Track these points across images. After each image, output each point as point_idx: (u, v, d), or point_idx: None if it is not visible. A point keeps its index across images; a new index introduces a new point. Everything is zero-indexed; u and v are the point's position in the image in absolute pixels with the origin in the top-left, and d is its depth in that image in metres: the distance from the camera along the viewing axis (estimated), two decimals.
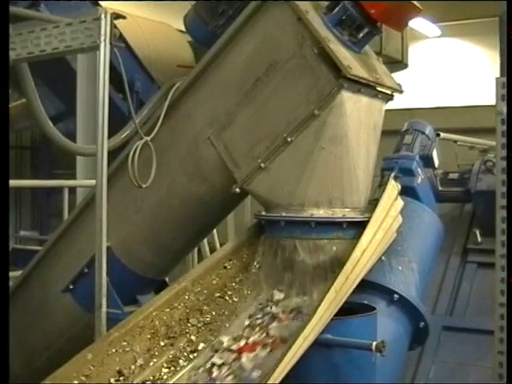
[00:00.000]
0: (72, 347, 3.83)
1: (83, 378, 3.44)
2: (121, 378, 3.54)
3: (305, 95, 3.99)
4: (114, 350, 3.61)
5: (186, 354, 3.72)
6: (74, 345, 3.89)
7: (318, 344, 3.62)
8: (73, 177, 9.57)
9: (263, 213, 4.17)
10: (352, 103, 3.99)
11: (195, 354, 3.70)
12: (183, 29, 5.14)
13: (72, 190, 8.59)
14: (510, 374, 3.32)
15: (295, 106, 4.02)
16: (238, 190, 4.19)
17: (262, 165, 4.09)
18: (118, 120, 4.79)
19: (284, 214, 4.02)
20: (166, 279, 5.10)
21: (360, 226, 3.97)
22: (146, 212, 4.62)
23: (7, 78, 3.66)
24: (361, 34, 4.17)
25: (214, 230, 6.90)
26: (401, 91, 4.39)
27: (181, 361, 3.68)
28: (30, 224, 17.62)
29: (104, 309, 4.17)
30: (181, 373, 3.58)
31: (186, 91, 4.46)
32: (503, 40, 3.81)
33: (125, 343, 3.66)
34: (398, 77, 4.55)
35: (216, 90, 4.36)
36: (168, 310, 3.86)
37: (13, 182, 8.58)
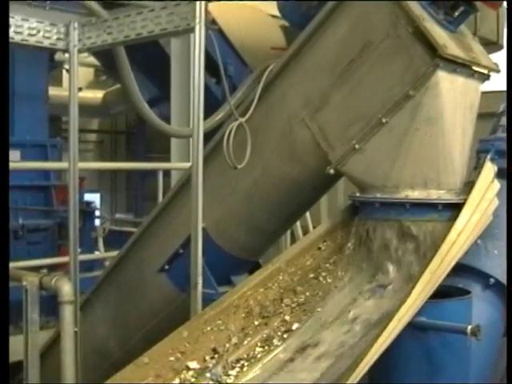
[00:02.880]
0: (166, 327, 3.88)
1: (179, 355, 3.48)
2: (215, 356, 3.57)
3: (399, 75, 3.94)
4: (209, 328, 3.65)
5: (279, 333, 3.72)
6: (168, 325, 3.94)
7: (411, 326, 3.59)
8: (167, 160, 9.71)
9: (357, 194, 4.15)
10: (448, 83, 3.92)
11: (289, 334, 3.71)
12: (275, 13, 5.15)
13: (166, 173, 8.70)
14: (510, 373, 3.22)
15: (390, 86, 3.98)
16: (332, 171, 4.18)
17: (357, 146, 4.06)
18: (211, 104, 4.83)
19: (379, 196, 4.00)
20: (260, 261, 5.12)
21: (455, 208, 3.91)
22: (241, 193, 4.64)
23: (7, 77, 3.73)
24: (456, 13, 4.10)
25: (307, 213, 6.91)
26: (498, 70, 4.31)
27: (275, 340, 3.68)
28: (124, 207, 17.98)
29: (200, 288, 4.22)
30: (274, 352, 3.60)
31: (280, 73, 4.46)
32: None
33: (220, 322, 3.69)
34: (493, 58, 4.46)
35: (310, 72, 4.34)
36: (262, 289, 3.88)
37: (109, 165, 8.87)
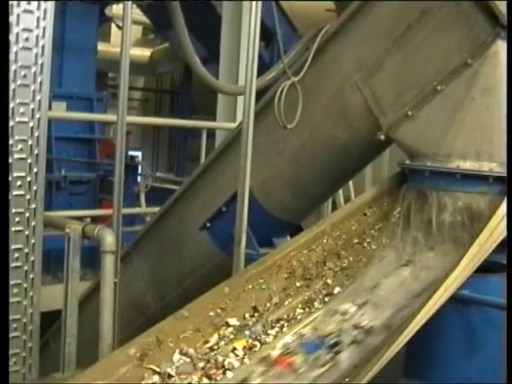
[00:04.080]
0: (203, 284, 3.87)
1: (219, 311, 3.47)
2: (255, 314, 3.54)
3: (458, 43, 3.86)
4: (250, 286, 3.63)
5: (321, 296, 3.69)
6: (206, 282, 3.93)
7: (453, 299, 3.53)
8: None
9: (407, 162, 4.09)
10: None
11: (330, 298, 3.68)
12: None
13: (209, 135, 8.67)
14: (510, 373, 3.15)
15: (447, 54, 3.90)
16: (382, 137, 4.12)
17: (410, 113, 4.00)
18: (259, 68, 4.79)
19: (429, 164, 3.92)
20: (302, 225, 5.09)
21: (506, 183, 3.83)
22: (288, 155, 4.62)
23: (7, 74, 3.73)
24: None
25: (350, 182, 6.85)
26: None
27: (316, 303, 3.65)
28: (165, 167, 18.04)
29: (243, 244, 4.22)
30: (315, 315, 3.57)
31: (335, 35, 4.41)
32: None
33: (261, 280, 3.67)
34: None
35: (365, 35, 4.29)
36: (306, 251, 3.84)
37: (154, 120, 8.82)
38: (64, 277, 4.24)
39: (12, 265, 3.97)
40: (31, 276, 4.05)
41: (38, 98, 4.00)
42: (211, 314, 3.45)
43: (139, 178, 10.11)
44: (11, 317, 3.99)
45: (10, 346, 4.01)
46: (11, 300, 3.98)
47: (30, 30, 3.87)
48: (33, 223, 4.02)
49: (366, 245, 3.98)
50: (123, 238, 4.60)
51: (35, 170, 4.01)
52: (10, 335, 4.00)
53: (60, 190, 9.24)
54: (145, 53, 15.57)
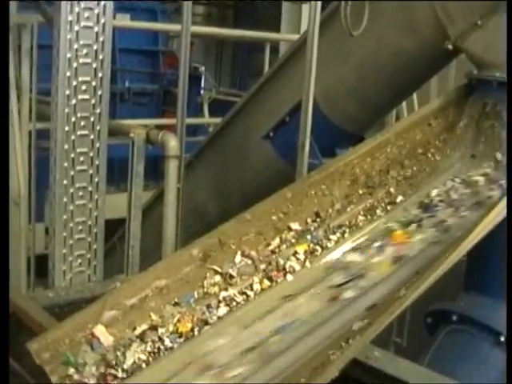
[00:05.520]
0: (262, 193, 3.86)
1: (281, 215, 3.46)
2: (317, 220, 3.53)
3: None
4: (313, 192, 3.60)
5: (383, 204, 3.66)
6: (265, 191, 3.93)
7: None
8: None
9: (475, 72, 4.01)
10: None
11: (392, 206, 3.66)
12: None
13: (273, 50, 8.59)
14: (509, 374, 3.07)
15: None
16: (450, 46, 4.05)
17: (479, 22, 3.91)
18: None
19: (498, 75, 3.84)
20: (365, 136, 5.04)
21: None
22: (353, 63, 4.56)
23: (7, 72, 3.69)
24: None
25: (414, 96, 6.75)
26: None
27: (378, 211, 3.62)
28: (228, 83, 17.96)
29: (306, 150, 4.21)
30: (376, 222, 3.55)
31: None
32: None
33: (324, 186, 3.64)
34: None
35: None
36: (369, 159, 3.80)
37: (216, 31, 8.79)
38: (128, 182, 4.30)
39: (77, 168, 4.04)
40: (96, 179, 4.12)
41: (102, 2, 4.00)
42: (273, 217, 3.45)
43: (202, 91, 10.09)
44: (77, 219, 4.08)
45: (76, 248, 4.11)
46: (77, 203, 4.07)
47: None
48: (98, 127, 4.06)
49: (430, 155, 3.94)
50: (186, 148, 4.63)
51: (100, 74, 4.04)
52: (76, 237, 4.09)
53: (124, 102, 9.30)
54: None
